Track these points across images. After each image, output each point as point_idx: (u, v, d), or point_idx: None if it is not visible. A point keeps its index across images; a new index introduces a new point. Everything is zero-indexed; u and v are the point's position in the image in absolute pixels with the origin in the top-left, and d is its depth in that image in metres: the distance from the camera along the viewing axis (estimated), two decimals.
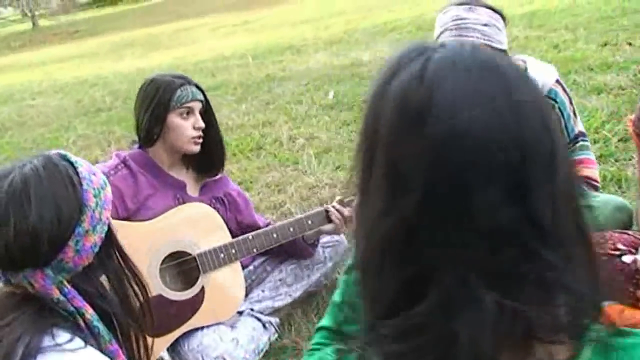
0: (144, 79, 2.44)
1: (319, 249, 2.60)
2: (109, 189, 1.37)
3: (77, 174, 1.32)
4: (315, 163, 4.22)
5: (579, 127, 2.38)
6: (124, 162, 2.33)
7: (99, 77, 10.06)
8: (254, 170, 4.26)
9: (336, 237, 2.64)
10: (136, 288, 1.40)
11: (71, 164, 1.34)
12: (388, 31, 9.55)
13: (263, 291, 2.50)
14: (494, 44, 2.18)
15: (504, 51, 2.23)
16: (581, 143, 2.37)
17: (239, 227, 2.49)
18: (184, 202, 2.37)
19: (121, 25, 20.80)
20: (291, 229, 2.41)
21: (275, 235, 2.39)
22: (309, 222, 2.44)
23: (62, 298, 1.26)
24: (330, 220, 2.45)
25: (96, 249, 1.31)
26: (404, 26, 9.69)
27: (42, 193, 1.26)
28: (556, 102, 2.31)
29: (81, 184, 1.30)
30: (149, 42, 14.78)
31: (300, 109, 5.68)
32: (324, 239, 2.62)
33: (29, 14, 29.31)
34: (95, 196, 1.31)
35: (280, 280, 2.53)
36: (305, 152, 4.47)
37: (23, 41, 22.40)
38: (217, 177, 2.52)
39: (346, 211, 2.44)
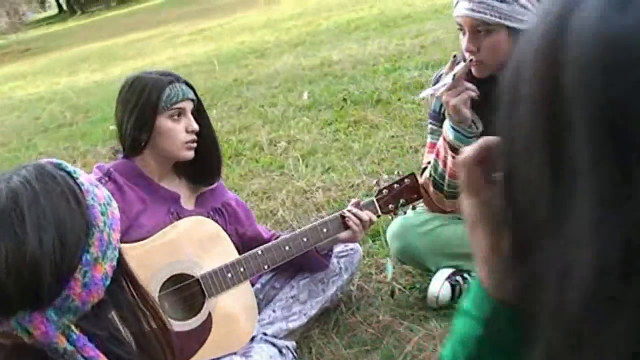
0: (126, 79, 2.14)
1: (333, 260, 2.32)
2: (115, 205, 1.09)
3: (78, 185, 1.04)
4: (302, 166, 3.95)
5: None
6: (107, 175, 2.03)
7: (56, 93, 9.66)
8: (236, 178, 3.97)
9: (350, 245, 2.36)
10: (154, 325, 1.12)
11: (69, 174, 1.05)
12: (352, 30, 9.37)
13: (274, 311, 2.20)
14: (512, 23, 1.94)
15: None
16: None
17: (240, 240, 2.20)
18: (179, 217, 2.08)
19: (73, 41, 20.25)
20: (304, 240, 2.12)
21: (287, 248, 2.10)
22: (324, 230, 2.16)
23: (69, 347, 0.97)
24: (347, 227, 2.18)
25: (107, 281, 1.03)
26: (368, 24, 9.52)
27: (38, 211, 0.97)
28: None
29: (85, 199, 1.02)
30: (103, 55, 14.34)
31: (276, 112, 5.41)
32: (338, 247, 2.33)
33: None
34: (102, 213, 1.03)
35: (292, 297, 2.24)
36: (289, 156, 4.20)
37: None
38: (213, 185, 2.23)
39: (364, 215, 2.17)
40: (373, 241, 2.79)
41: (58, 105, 8.44)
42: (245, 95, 6.41)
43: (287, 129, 4.85)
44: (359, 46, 7.84)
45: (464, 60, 2.02)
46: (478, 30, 1.95)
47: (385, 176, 2.28)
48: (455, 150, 2.05)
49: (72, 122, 7.07)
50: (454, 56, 2.02)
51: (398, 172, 2.32)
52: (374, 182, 2.27)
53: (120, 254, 1.07)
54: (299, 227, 3.16)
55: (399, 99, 4.95)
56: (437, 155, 2.13)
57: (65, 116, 7.43)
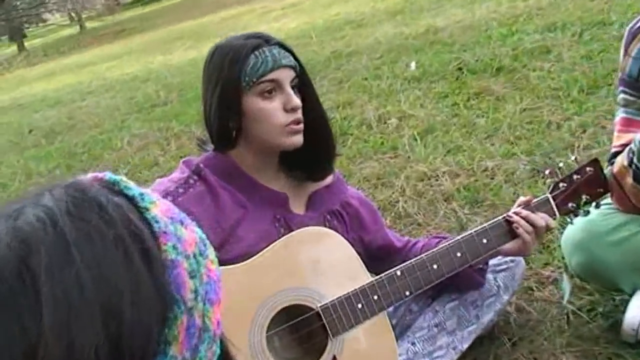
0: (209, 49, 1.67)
1: (489, 275, 1.78)
2: (212, 253, 0.63)
3: (148, 224, 0.58)
4: (420, 147, 3.40)
5: None
6: (197, 172, 1.55)
7: (150, 72, 9.47)
8: (343, 162, 3.47)
9: (510, 256, 1.80)
10: None
11: (131, 200, 0.59)
12: None
13: (413, 344, 1.69)
14: None
15: None
16: None
17: (365, 251, 1.68)
18: (287, 224, 1.58)
19: (167, 20, 20.32)
20: (458, 255, 1.60)
21: (435, 267, 1.57)
22: (484, 240, 1.62)
23: None
24: (513, 235, 1.64)
25: None
26: None
27: (68, 280, 0.53)
28: None
29: (161, 249, 0.57)
30: (197, 33, 14.17)
31: (382, 85, 4.88)
32: (494, 259, 1.79)
33: (76, 18, 29.22)
34: (192, 275, 0.58)
35: (436, 326, 1.71)
36: (403, 134, 3.67)
37: (71, 44, 22.15)
38: (329, 180, 1.72)
39: (539, 219, 1.62)
40: None
41: (152, 84, 8.23)
42: (345, 68, 5.92)
43: (397, 103, 4.31)
44: (465, 11, 7.21)
45: None
46: None
47: (560, 163, 1.71)
48: None
49: (166, 102, 6.80)
50: None
51: (575, 158, 1.74)
52: (547, 171, 1.71)
53: (222, 344, 0.60)
54: (426, 222, 2.66)
55: (524, 66, 4.33)
56: None
57: (159, 95, 7.17)
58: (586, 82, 3.63)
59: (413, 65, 5.24)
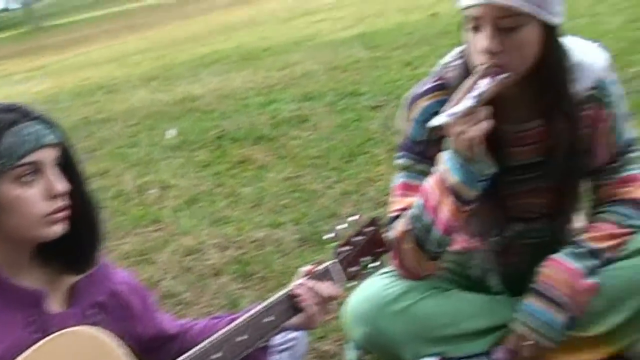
0: None
1: (274, 357, 1.63)
2: None
3: None
4: (184, 218, 3.24)
5: (630, 133, 1.69)
6: None
7: None
8: None
9: (292, 334, 1.68)
10: None
11: None
12: (211, 63, 8.82)
13: None
14: (545, 16, 1.47)
15: (555, 27, 1.52)
16: (631, 155, 1.68)
17: (139, 344, 1.47)
18: (43, 329, 1.31)
19: None
20: (243, 338, 1.44)
21: (218, 356, 1.41)
22: (270, 318, 1.48)
23: None
24: (298, 310, 1.52)
25: None
26: (227, 57, 9.02)
27: None
28: (606, 97, 1.62)
29: None
30: None
31: (140, 153, 4.67)
32: (275, 338, 1.64)
33: None
34: None
35: None
36: (165, 206, 3.49)
37: None
38: (92, 269, 1.49)
39: (324, 289, 1.51)
40: None
41: None
42: (98, 135, 5.62)
43: (157, 173, 4.13)
44: (222, 79, 7.31)
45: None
46: (500, 24, 1.45)
47: (342, 225, 1.62)
48: (458, 196, 1.51)
49: None
50: (486, 68, 1.47)
51: (359, 217, 1.67)
52: (330, 235, 1.61)
53: None
54: (193, 301, 2.48)
55: (283, 135, 4.42)
56: (426, 201, 1.57)
57: None
58: (345, 150, 3.76)
59: (172, 132, 5.10)
